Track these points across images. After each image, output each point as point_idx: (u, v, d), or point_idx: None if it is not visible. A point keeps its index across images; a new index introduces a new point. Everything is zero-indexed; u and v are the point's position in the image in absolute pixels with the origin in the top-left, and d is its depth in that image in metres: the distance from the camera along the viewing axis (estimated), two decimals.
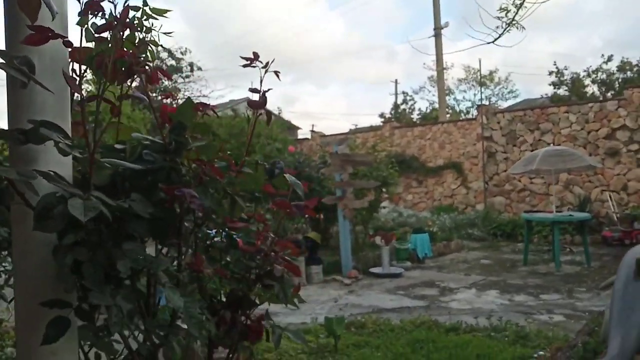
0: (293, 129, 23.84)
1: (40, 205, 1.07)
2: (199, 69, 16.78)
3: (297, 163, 8.58)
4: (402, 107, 30.52)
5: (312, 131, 19.02)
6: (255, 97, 1.68)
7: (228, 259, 1.81)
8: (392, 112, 29.72)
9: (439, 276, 8.00)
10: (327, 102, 56.19)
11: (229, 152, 1.73)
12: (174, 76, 17.12)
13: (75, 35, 1.43)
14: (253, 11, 55.14)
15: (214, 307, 1.75)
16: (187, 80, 18.05)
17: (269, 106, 1.70)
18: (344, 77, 58.48)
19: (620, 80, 22.63)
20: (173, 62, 17.45)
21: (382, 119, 28.10)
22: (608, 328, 2.95)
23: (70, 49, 1.29)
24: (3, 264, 3.03)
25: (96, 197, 1.11)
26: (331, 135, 17.46)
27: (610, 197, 11.18)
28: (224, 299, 1.84)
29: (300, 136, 21.68)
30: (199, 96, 17.57)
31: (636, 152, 11.21)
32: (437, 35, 18.56)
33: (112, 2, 1.37)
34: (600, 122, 11.74)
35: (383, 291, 6.98)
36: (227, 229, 1.76)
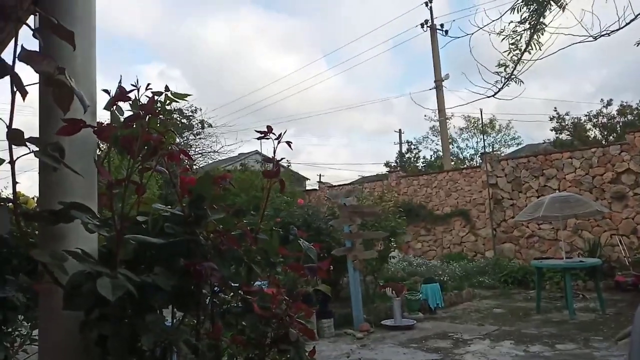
0: (301, 180, 24.05)
1: (69, 286, 1.13)
2: (210, 125, 17.21)
3: (306, 216, 8.63)
4: (407, 155, 30.83)
5: (320, 182, 19.18)
6: (270, 166, 1.77)
7: (244, 323, 1.84)
8: (398, 161, 30.02)
9: (451, 327, 7.86)
10: (330, 153, 57.43)
11: (240, 208, 1.79)
12: (185, 133, 17.55)
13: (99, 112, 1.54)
14: (252, 71, 57.21)
15: None
16: (197, 137, 18.49)
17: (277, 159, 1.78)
18: (344, 129, 60.12)
19: (621, 124, 22.88)
20: (184, 120, 17.96)
21: (388, 168, 28.34)
22: None
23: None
24: (19, 329, 3.07)
25: (122, 274, 1.17)
26: (338, 185, 17.59)
27: (620, 241, 11.09)
28: None
29: (308, 187, 21.84)
30: (209, 152, 17.90)
31: None
32: (438, 87, 18.99)
33: (136, 87, 1.49)
34: (604, 167, 11.80)
35: (396, 344, 6.86)
36: (242, 294, 1.80)
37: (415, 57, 61.04)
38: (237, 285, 1.76)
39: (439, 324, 8.21)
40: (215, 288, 1.65)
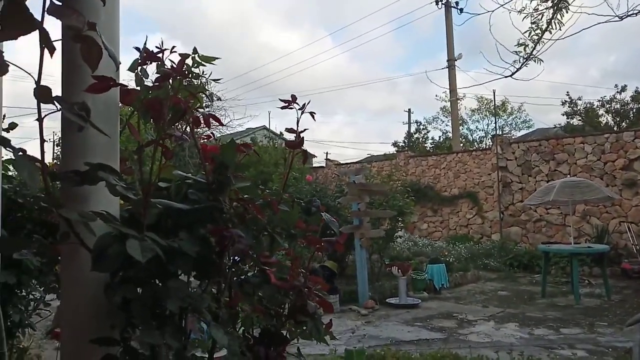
0: (309, 157, 23.99)
1: (97, 246, 1.11)
2: (219, 99, 16.99)
3: (314, 192, 8.63)
4: (416, 136, 30.66)
5: (327, 159, 19.12)
6: (292, 137, 1.73)
7: (260, 294, 1.84)
8: (406, 141, 29.86)
9: (456, 307, 7.91)
10: (335, 130, 57.39)
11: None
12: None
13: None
14: (255, 46, 56.83)
15: (248, 342, 1.77)
16: (206, 109, 18.34)
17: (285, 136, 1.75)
18: (348, 107, 59.98)
19: (634, 110, 22.56)
20: (200, 94, 17.68)
21: (396, 148, 28.21)
22: None
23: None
24: (33, 293, 3.09)
25: (149, 238, 1.15)
26: (346, 163, 17.55)
27: (629, 228, 11.04)
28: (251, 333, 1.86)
29: (315, 164, 21.80)
30: (217, 126, 17.75)
31: None
32: (451, 66, 18.74)
33: (161, 50, 1.45)
34: (616, 153, 11.68)
35: (401, 322, 6.91)
36: (260, 265, 1.79)
37: (421, 37, 60.52)
38: (255, 255, 1.75)
39: (444, 304, 8.25)
40: (236, 257, 1.64)
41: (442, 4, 18.89)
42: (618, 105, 23.04)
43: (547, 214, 12.67)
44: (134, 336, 1.25)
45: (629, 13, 3.60)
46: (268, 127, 26.42)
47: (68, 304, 1.36)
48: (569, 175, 11.73)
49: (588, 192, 8.44)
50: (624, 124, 21.97)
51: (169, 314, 1.32)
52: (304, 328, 1.80)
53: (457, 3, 18.45)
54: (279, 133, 21.89)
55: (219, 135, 20.45)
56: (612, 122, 22.99)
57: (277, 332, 1.78)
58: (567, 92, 25.92)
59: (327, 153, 30.30)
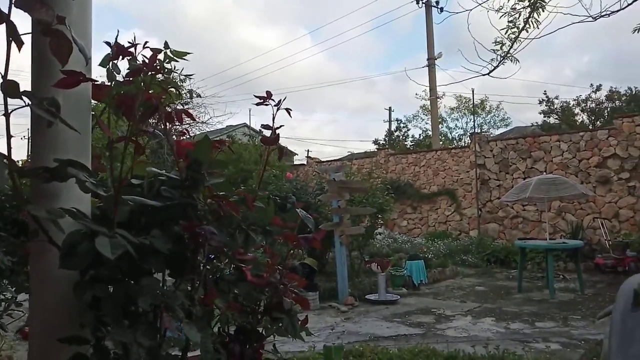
0: (289, 154, 23.95)
1: (66, 244, 1.10)
2: (198, 95, 16.80)
3: (294, 190, 8.61)
4: (396, 133, 30.83)
5: (308, 157, 19.11)
6: (268, 133, 1.73)
7: (236, 291, 1.83)
8: (386, 139, 30.02)
9: (434, 303, 7.99)
10: (315, 128, 57.54)
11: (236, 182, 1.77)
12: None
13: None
14: (233, 43, 56.56)
15: (223, 340, 1.77)
16: (186, 107, 18.11)
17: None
18: (327, 105, 60.12)
19: (608, 109, 23.06)
20: (172, 89, 17.42)
21: (377, 146, 28.33)
22: (607, 359, 2.97)
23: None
24: (3, 293, 3.03)
25: (120, 235, 1.14)
26: (327, 161, 17.57)
27: (602, 224, 11.29)
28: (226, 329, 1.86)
29: (296, 162, 21.76)
30: (197, 123, 17.56)
31: (627, 180, 11.36)
32: (431, 65, 18.89)
33: (133, 44, 1.43)
34: (591, 151, 11.92)
35: (380, 318, 6.95)
36: (236, 262, 1.78)
37: (400, 37, 60.96)
38: (231, 253, 1.74)
39: (422, 299, 8.33)
40: (211, 255, 1.63)
41: (422, 3, 19.02)
42: (593, 105, 23.54)
43: (523, 210, 12.88)
44: (107, 335, 1.24)
45: (602, 14, 3.67)
46: (249, 124, 26.26)
47: (37, 302, 1.34)
48: (545, 173, 11.94)
49: (563, 189, 8.60)
50: (598, 122, 22.45)
51: (142, 312, 1.31)
52: (280, 325, 1.80)
53: (437, 2, 18.60)
54: (259, 131, 21.77)
55: (198, 132, 20.26)
56: (587, 121, 23.47)
57: (253, 329, 1.78)
58: (545, 91, 26.42)
59: (308, 150, 30.33)
